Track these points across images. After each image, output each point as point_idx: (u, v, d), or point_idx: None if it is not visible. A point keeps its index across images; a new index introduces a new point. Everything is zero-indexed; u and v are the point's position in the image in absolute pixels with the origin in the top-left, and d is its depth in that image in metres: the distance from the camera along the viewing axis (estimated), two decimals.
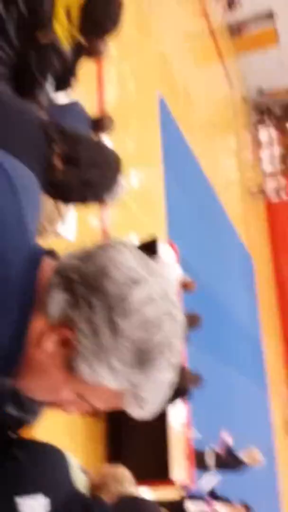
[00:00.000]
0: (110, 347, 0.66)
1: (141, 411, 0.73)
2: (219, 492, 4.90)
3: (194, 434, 4.76)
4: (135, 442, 4.46)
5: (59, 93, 2.58)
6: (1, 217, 0.72)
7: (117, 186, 1.79)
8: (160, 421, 4.52)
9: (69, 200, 1.79)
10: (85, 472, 1.54)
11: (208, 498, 4.54)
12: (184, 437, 4.71)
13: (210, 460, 5.20)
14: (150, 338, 0.67)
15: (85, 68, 3.28)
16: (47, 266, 0.73)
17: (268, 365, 13.42)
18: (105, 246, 0.72)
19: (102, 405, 0.74)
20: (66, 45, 2.22)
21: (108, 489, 1.83)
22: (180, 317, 0.71)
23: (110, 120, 3.55)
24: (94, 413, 4.24)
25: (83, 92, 4.86)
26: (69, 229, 2.74)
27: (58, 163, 1.60)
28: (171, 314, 0.69)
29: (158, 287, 0.69)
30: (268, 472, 11.34)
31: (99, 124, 3.44)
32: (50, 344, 0.70)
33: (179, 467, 4.54)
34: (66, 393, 0.73)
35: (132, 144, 6.37)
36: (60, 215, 2.22)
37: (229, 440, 5.42)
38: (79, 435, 4.23)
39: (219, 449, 5.32)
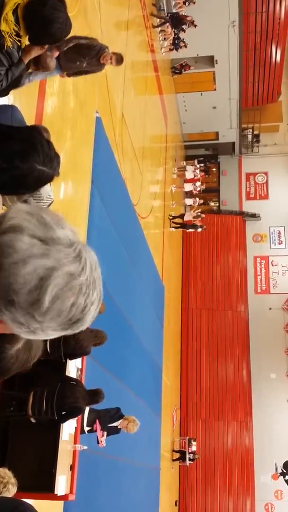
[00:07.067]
0: None
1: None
2: None
3: (80, 447, 4.78)
4: (23, 450, 4.40)
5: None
6: None
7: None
8: (51, 436, 4.49)
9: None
10: None
11: None
12: (71, 449, 4.72)
13: None
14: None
15: None
16: None
17: (163, 392, 13.73)
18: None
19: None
20: (10, 44, 2.31)
21: None
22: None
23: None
24: None
25: (23, 99, 4.89)
26: None
27: None
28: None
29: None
30: (152, 488, 11.68)
31: None
32: None
33: (63, 481, 4.52)
34: None
35: (63, 157, 6.42)
36: None
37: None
38: None
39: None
